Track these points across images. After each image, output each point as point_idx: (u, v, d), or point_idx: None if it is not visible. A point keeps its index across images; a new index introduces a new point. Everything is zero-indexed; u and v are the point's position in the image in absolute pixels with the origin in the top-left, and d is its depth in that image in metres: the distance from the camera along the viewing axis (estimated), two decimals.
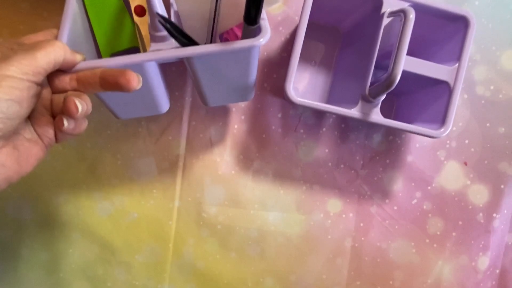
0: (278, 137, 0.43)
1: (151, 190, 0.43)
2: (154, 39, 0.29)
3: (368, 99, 0.34)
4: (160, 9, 0.28)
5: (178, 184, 0.43)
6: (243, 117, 0.43)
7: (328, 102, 0.43)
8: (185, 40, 0.28)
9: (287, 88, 0.34)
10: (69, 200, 0.42)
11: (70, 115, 0.26)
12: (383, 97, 0.34)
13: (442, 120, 0.36)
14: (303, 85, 0.43)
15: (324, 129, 0.44)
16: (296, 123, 0.44)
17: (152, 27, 0.28)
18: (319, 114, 0.44)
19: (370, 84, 0.35)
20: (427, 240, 0.45)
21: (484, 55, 0.44)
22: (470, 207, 0.45)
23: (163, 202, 0.43)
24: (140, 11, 0.32)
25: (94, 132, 0.42)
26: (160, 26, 0.28)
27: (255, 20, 0.26)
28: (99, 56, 0.35)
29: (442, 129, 0.35)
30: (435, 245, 0.45)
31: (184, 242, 0.43)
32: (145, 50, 0.33)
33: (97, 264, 0.42)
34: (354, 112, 0.34)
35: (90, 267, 0.42)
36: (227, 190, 0.43)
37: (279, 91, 0.43)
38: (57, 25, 0.40)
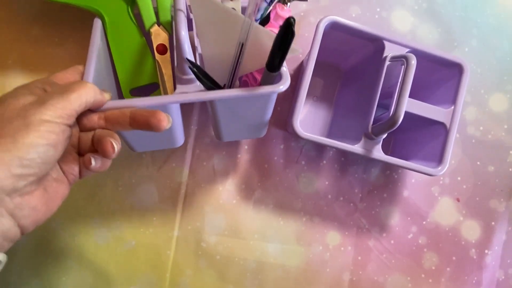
0: (280, 168, 0.44)
1: (151, 218, 0.42)
2: (180, 81, 0.30)
3: (371, 137, 0.36)
4: (189, 54, 0.29)
5: (179, 213, 0.43)
6: (246, 147, 0.44)
7: (328, 135, 0.44)
8: (211, 84, 0.29)
9: (294, 123, 0.35)
10: (65, 225, 0.41)
11: (106, 156, 0.27)
12: (385, 135, 0.35)
13: (438, 159, 0.37)
14: (304, 119, 0.45)
15: (324, 162, 0.45)
16: (297, 154, 0.45)
17: (180, 70, 0.30)
18: (320, 147, 0.45)
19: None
20: (423, 275, 0.45)
21: (474, 97, 0.47)
22: (463, 242, 0.46)
23: (163, 230, 0.42)
24: (162, 49, 0.33)
25: None
26: (188, 70, 0.29)
27: (278, 68, 0.28)
28: (119, 90, 0.36)
29: (439, 168, 0.37)
30: (430, 280, 0.45)
31: (182, 273, 0.42)
32: (164, 87, 0.34)
33: None
34: (357, 148, 0.36)
35: None
36: (228, 219, 0.43)
37: (282, 123, 0.44)
38: (69, 52, 0.41)
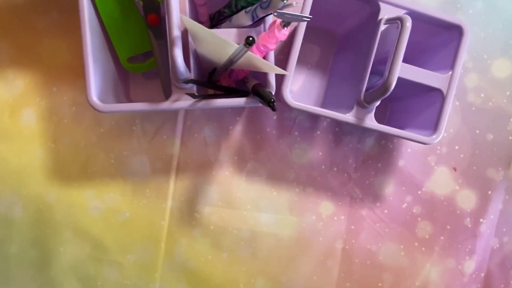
0: (272, 139, 0.44)
1: (144, 189, 0.42)
2: (176, 88, 0.32)
3: (363, 105, 0.35)
4: (185, 72, 0.30)
5: (172, 184, 0.43)
6: (238, 118, 0.43)
7: (322, 105, 0.43)
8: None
9: (284, 92, 0.34)
10: (61, 198, 0.41)
11: None
12: (378, 103, 0.34)
13: (434, 127, 0.36)
14: (298, 88, 0.44)
15: (318, 132, 0.44)
16: (291, 125, 0.44)
17: (175, 79, 0.31)
18: (314, 117, 0.44)
19: (365, 89, 0.35)
20: (416, 244, 0.46)
21: (476, 63, 0.45)
22: (458, 211, 0.46)
23: (156, 201, 0.43)
24: (154, 19, 0.33)
25: (88, 129, 0.41)
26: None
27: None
28: (116, 58, 0.36)
29: (434, 136, 0.36)
30: (423, 249, 0.46)
31: (176, 242, 0.43)
32: (157, 57, 0.35)
33: (88, 263, 0.42)
34: (349, 117, 0.35)
35: (81, 266, 0.42)
36: (221, 190, 0.43)
37: (275, 93, 0.43)
38: (54, 20, 0.40)
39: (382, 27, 0.35)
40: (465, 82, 0.45)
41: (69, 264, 0.42)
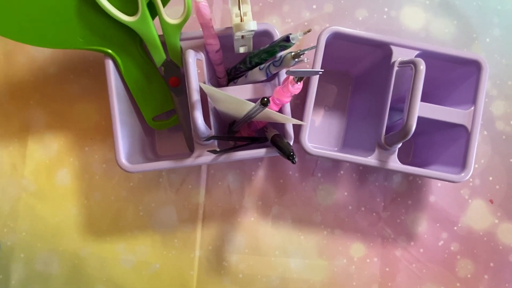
0: (295, 182, 0.43)
1: (172, 240, 0.43)
2: (198, 144, 0.34)
3: (384, 147, 0.34)
4: (205, 130, 0.32)
5: (199, 233, 0.43)
6: (260, 163, 0.44)
7: (343, 145, 0.43)
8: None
9: (303, 141, 0.34)
10: (94, 252, 0.43)
11: None
12: (400, 145, 0.34)
13: (462, 163, 0.35)
14: (317, 130, 0.44)
15: (341, 172, 0.44)
16: (313, 167, 0.44)
17: (197, 137, 0.33)
18: None
19: (386, 128, 0.35)
20: (458, 284, 0.43)
21: (500, 90, 0.44)
22: (500, 247, 0.43)
23: (184, 251, 0.43)
24: (175, 81, 0.35)
25: (118, 185, 0.43)
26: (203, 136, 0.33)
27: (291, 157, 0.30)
28: (142, 118, 0.39)
29: (463, 174, 0.34)
30: None
31: None
32: (179, 114, 0.37)
33: None
34: (371, 160, 0.34)
35: None
36: (247, 237, 0.43)
37: (294, 135, 0.43)
38: (84, 86, 0.43)
39: (396, 68, 0.35)
40: (491, 111, 0.44)
41: None
